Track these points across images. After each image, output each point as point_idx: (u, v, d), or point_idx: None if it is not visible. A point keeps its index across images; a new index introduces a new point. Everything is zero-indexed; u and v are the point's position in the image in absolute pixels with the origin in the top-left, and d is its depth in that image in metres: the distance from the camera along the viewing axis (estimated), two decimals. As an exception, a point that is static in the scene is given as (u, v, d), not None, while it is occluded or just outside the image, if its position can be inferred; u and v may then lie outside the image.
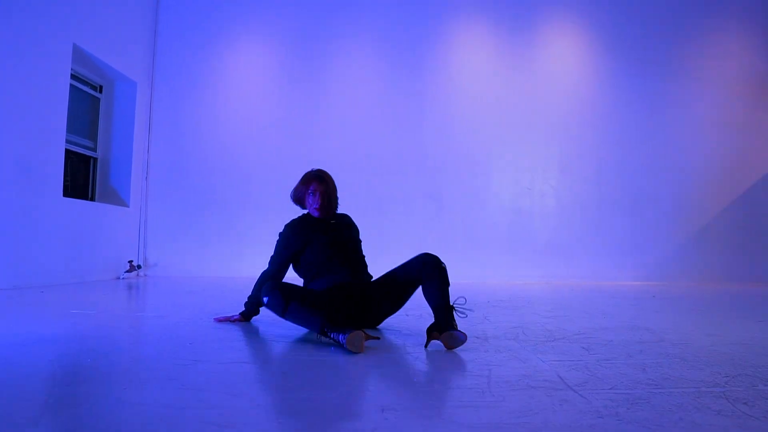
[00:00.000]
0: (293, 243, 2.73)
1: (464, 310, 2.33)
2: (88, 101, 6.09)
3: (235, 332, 2.48)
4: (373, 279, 2.69)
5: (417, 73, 6.76)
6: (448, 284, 2.37)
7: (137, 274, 6.22)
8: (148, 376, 1.70)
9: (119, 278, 5.84)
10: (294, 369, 1.80)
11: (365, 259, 2.83)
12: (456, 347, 2.16)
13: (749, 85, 6.92)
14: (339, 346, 2.07)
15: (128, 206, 6.21)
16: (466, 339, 2.17)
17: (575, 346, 2.31)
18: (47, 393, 1.48)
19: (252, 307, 2.78)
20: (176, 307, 3.55)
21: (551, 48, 6.91)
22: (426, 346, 2.21)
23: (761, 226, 6.82)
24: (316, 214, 2.77)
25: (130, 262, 6.02)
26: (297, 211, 2.99)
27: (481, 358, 2.00)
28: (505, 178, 6.72)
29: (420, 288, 2.46)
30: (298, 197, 2.84)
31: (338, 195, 2.88)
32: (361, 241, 2.89)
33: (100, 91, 6.23)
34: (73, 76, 5.58)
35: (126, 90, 6.28)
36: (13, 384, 1.55)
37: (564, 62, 6.89)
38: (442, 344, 2.18)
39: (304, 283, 2.76)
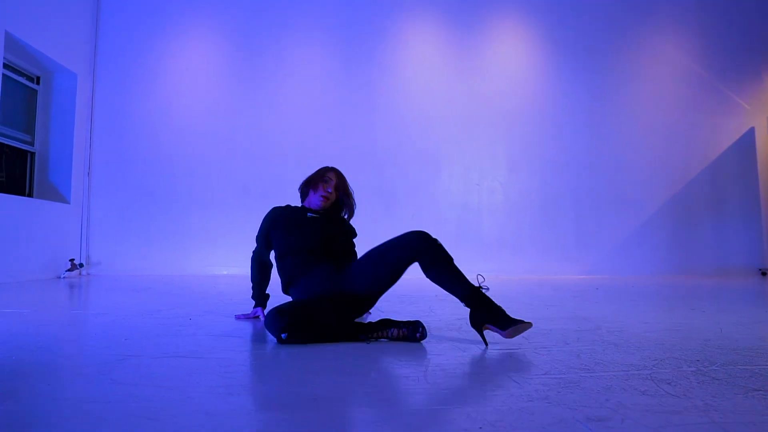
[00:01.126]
0: (267, 225, 2.67)
1: (485, 288, 2.23)
2: (25, 93, 5.82)
3: (175, 328, 2.41)
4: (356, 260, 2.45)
5: (367, 66, 6.78)
6: (451, 260, 2.25)
7: (79, 273, 6.00)
8: (78, 372, 1.64)
9: (60, 277, 5.61)
10: (231, 362, 1.76)
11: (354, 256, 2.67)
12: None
13: (685, 86, 7.25)
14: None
15: (69, 203, 5.97)
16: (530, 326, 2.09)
17: (515, 336, 2.35)
18: (-37, 392, 1.40)
19: (260, 296, 2.73)
20: (116, 304, 3.43)
21: (499, 45, 7.04)
22: (485, 343, 2.06)
23: (697, 221, 7.14)
24: (318, 202, 2.64)
25: (72, 260, 5.80)
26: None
27: (422, 349, 2.01)
28: (455, 174, 6.81)
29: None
30: (307, 183, 2.75)
31: (352, 204, 2.79)
32: (354, 244, 2.71)
33: (38, 83, 5.97)
34: (6, 66, 5.33)
35: (65, 82, 6.04)
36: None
37: (511, 60, 7.04)
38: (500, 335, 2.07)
39: (283, 284, 2.55)
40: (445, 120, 6.83)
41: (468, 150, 6.85)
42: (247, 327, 2.49)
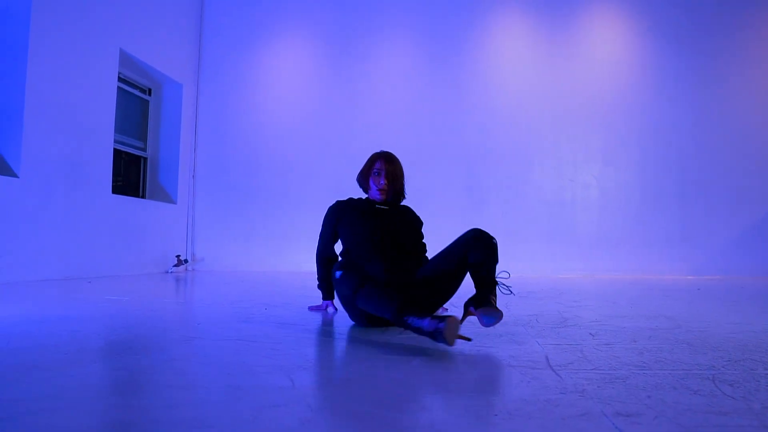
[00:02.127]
0: (333, 219, 2.63)
1: (506, 287, 2.26)
2: (138, 103, 6.40)
3: (248, 315, 2.55)
4: (421, 268, 2.44)
5: (455, 64, 6.72)
6: (496, 261, 2.25)
7: (185, 269, 6.49)
8: (140, 349, 1.79)
9: (168, 272, 6.11)
10: (282, 346, 1.83)
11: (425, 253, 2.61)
12: (491, 325, 2.11)
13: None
14: (422, 334, 1.79)
15: (176, 203, 6.49)
16: (501, 317, 2.09)
17: (583, 331, 2.23)
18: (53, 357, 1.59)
19: (329, 290, 2.73)
20: (206, 295, 3.69)
21: (591, 34, 6.69)
22: (461, 322, 1.90)
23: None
24: (378, 196, 2.54)
25: (178, 256, 6.29)
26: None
27: (478, 341, 1.97)
28: (547, 170, 6.56)
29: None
30: (362, 177, 2.64)
31: (405, 184, 2.64)
32: (422, 235, 2.66)
33: (149, 94, 6.54)
34: (121, 80, 5.88)
35: (173, 92, 6.56)
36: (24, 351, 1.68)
37: (604, 48, 6.66)
38: (477, 321, 2.14)
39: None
40: (535, 114, 6.61)
41: (560, 144, 6.57)
42: (316, 318, 2.57)
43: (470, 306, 2.19)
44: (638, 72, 6.60)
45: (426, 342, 1.89)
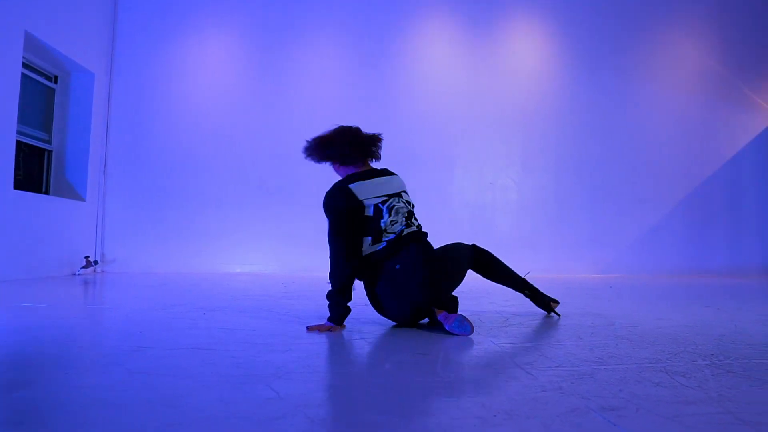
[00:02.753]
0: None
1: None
2: (43, 92, 5.90)
3: (189, 321, 2.44)
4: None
5: (380, 65, 6.77)
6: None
7: (94, 270, 6.07)
8: (93, 362, 1.67)
9: (75, 274, 5.67)
10: (244, 354, 1.77)
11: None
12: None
13: (702, 83, 7.16)
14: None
15: (84, 200, 6.05)
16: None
17: (528, 330, 2.35)
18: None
19: (338, 306, 2.23)
20: (130, 300, 3.48)
21: (514, 43, 7.00)
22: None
23: (713, 219, 7.06)
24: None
25: (86, 257, 5.86)
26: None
27: (436, 341, 2.01)
28: (469, 173, 6.78)
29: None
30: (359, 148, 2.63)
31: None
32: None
33: (56, 82, 6.04)
34: (25, 65, 5.40)
35: (83, 81, 6.10)
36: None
37: (526, 58, 7.00)
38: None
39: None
40: (458, 118, 6.81)
41: (482, 148, 6.83)
42: (258, 322, 2.50)
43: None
44: (555, 81, 6.99)
45: (381, 343, 1.91)
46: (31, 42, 5.14)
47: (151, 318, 2.57)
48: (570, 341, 2.04)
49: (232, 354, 1.77)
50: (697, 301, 3.70)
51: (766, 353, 1.83)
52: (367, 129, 6.76)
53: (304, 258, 6.39)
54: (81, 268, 5.77)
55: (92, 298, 3.80)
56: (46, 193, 5.93)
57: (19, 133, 5.32)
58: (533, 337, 2.15)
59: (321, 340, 2.03)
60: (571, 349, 1.89)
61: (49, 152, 6.01)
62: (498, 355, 1.80)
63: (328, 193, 2.42)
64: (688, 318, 2.73)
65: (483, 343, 2.01)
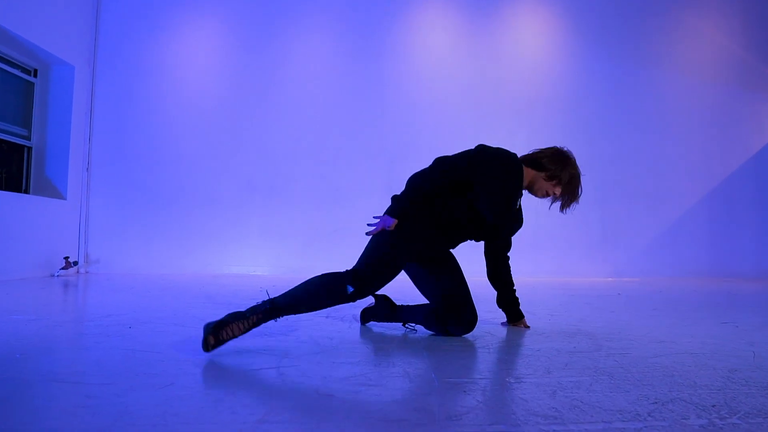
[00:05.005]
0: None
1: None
2: (21, 86, 5.66)
3: (100, 338, 2.08)
4: None
5: (376, 58, 6.37)
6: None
7: (76, 271, 5.82)
8: None
9: (54, 276, 5.42)
10: (97, 389, 1.41)
11: None
12: None
13: (724, 70, 6.58)
14: None
15: (65, 199, 5.79)
16: None
17: (493, 356, 1.93)
18: None
19: (412, 198, 2.09)
20: (77, 307, 3.15)
21: (517, 32, 6.54)
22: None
23: (738, 218, 6.49)
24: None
25: (66, 258, 5.61)
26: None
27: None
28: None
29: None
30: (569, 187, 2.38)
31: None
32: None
33: (35, 75, 5.80)
34: (1, 59, 5.17)
35: (63, 74, 5.85)
36: None
37: (529, 46, 6.52)
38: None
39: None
40: (459, 111, 6.37)
41: (483, 141, 6.37)
42: (180, 341, 2.12)
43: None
44: (562, 72, 6.50)
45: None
46: (5, 35, 4.90)
47: (61, 333, 2.23)
48: (533, 377, 1.62)
49: (86, 389, 1.40)
50: (713, 313, 3.21)
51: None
52: (360, 124, 6.32)
53: (292, 259, 6.07)
54: (60, 269, 5.52)
55: (41, 304, 3.48)
56: (26, 191, 5.71)
57: (-8, 129, 5.09)
58: (493, 370, 1.73)
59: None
60: (527, 391, 1.47)
61: (29, 149, 5.78)
62: (417, 404, 1.39)
63: (505, 157, 2.23)
64: (696, 340, 2.27)
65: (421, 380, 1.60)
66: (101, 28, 6.20)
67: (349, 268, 2.06)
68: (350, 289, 1.96)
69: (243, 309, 1.97)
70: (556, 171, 2.26)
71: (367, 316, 2.57)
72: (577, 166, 2.34)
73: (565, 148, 2.35)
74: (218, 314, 2.14)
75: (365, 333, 2.39)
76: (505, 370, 1.74)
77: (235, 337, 1.85)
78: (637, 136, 6.44)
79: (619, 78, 6.46)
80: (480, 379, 1.62)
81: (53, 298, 3.69)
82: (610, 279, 6.07)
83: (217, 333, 1.80)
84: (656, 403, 1.37)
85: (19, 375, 1.56)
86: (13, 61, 5.46)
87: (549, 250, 6.24)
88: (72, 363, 1.76)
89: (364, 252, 2.13)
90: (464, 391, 1.46)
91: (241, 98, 6.28)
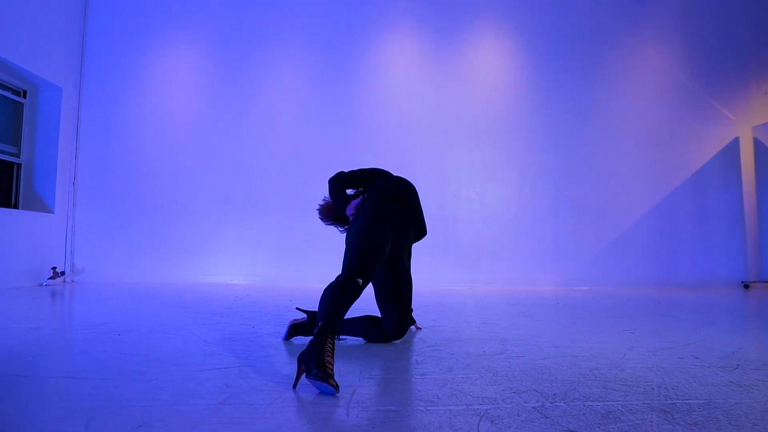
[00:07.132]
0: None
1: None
2: (11, 106, 6.03)
3: (93, 344, 2.51)
4: None
5: (345, 77, 6.86)
6: None
7: (63, 281, 6.19)
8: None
9: (42, 285, 5.80)
10: (97, 383, 1.85)
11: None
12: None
13: (668, 93, 7.17)
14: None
15: (53, 212, 6.17)
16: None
17: (412, 357, 2.40)
18: None
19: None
20: (66, 316, 3.56)
21: (478, 54, 7.05)
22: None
23: (679, 231, 7.06)
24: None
25: (54, 268, 5.99)
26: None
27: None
28: (432, 184, 6.82)
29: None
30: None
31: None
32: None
33: (24, 96, 6.17)
34: (-9, 82, 5.53)
35: (51, 95, 6.24)
36: None
37: (490, 68, 7.04)
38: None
39: None
40: (421, 129, 6.87)
41: (445, 160, 6.88)
42: (161, 347, 2.57)
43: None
44: (517, 93, 7.04)
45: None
46: (-6, 60, 5.27)
47: (57, 341, 2.65)
48: (436, 374, 2.08)
49: (90, 383, 1.83)
50: (624, 321, 3.70)
51: (610, 394, 1.86)
52: (329, 140, 6.95)
53: (266, 268, 6.49)
54: (48, 278, 5.90)
55: (34, 313, 3.89)
56: (15, 206, 6.07)
57: (-18, 148, 5.45)
58: (407, 366, 2.20)
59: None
60: (425, 384, 1.94)
61: (19, 165, 6.14)
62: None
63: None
64: (587, 345, 2.74)
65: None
66: (87, 52, 6.59)
67: (342, 271, 2.35)
68: (360, 281, 2.27)
69: (243, 319, 2.36)
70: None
71: (293, 331, 2.73)
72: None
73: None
74: (198, 324, 2.56)
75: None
76: (415, 368, 2.21)
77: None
78: (588, 152, 7.00)
79: (572, 99, 7.01)
80: (392, 376, 2.08)
81: (45, 307, 4.09)
82: (562, 288, 6.59)
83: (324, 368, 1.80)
84: (514, 392, 1.84)
85: (36, 373, 2.01)
86: (3, 83, 5.84)
87: (502, 261, 6.75)
88: (75, 363, 2.20)
89: (346, 251, 2.46)
90: (377, 385, 1.93)
91: (217, 118, 6.71)
